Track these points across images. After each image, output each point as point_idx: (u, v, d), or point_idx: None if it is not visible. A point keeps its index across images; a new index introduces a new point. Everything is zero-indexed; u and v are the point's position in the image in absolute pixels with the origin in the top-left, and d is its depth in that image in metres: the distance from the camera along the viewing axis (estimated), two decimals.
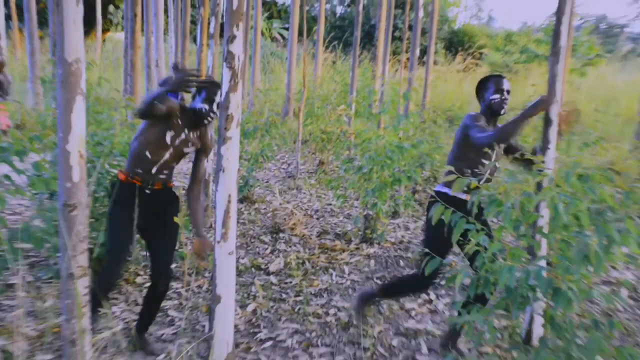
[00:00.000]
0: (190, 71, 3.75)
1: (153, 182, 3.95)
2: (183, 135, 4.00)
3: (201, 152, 4.17)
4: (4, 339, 3.98)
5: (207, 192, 7.15)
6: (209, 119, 3.97)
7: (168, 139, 3.94)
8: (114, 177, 4.93)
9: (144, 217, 3.93)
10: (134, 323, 4.52)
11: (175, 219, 3.86)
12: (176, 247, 4.11)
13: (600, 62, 19.90)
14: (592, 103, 16.09)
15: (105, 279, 3.80)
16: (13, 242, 3.77)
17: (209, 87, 3.99)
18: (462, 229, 3.11)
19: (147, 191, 3.93)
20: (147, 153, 3.91)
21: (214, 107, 3.96)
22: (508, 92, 4.39)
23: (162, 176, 3.99)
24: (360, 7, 12.73)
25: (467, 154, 4.32)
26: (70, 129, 2.49)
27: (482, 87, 4.52)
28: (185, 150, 4.03)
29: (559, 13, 4.29)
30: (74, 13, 2.44)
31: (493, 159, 4.38)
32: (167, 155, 3.96)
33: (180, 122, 3.98)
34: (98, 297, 3.68)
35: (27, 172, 3.92)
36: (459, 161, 4.35)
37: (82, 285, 2.63)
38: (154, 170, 3.94)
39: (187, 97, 4.31)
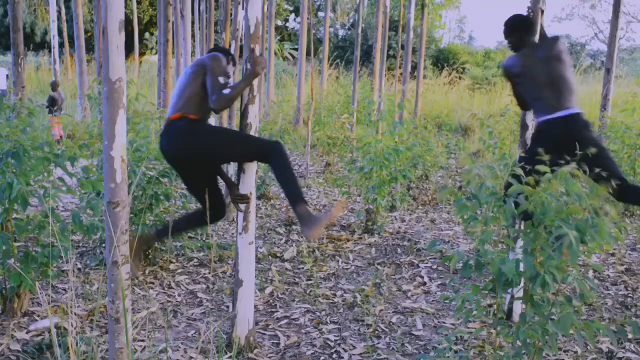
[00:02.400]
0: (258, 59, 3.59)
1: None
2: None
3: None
4: (59, 317, 3.99)
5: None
6: None
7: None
8: (150, 178, 4.94)
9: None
10: (169, 304, 4.53)
11: None
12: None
13: None
14: None
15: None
16: (65, 234, 3.78)
17: None
18: None
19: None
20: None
21: None
22: None
23: None
24: (359, 30, 12.73)
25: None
26: (114, 138, 2.50)
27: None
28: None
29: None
30: (117, 40, 2.45)
31: None
32: None
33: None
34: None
35: (77, 175, 3.93)
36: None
37: (125, 271, 2.63)
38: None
39: None
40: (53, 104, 13.04)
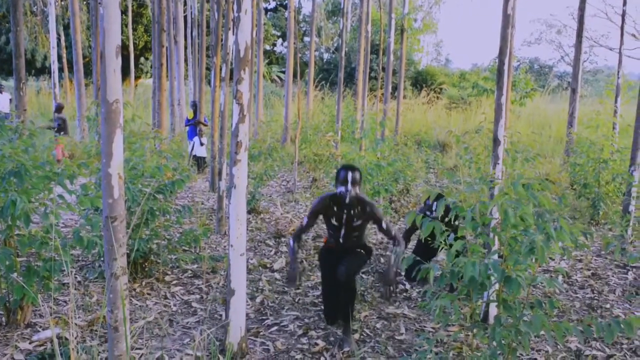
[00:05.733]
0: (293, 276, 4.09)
1: (344, 245, 4.18)
2: (344, 215, 4.08)
3: (375, 221, 4.14)
4: (60, 328, 3.96)
5: (221, 206, 7.14)
6: (349, 196, 3.99)
7: (335, 222, 4.13)
8: (143, 194, 4.93)
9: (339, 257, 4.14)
10: (165, 314, 4.51)
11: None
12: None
13: (534, 95, 20.05)
14: (530, 127, 16.21)
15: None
16: (66, 249, 3.77)
17: (337, 176, 4.08)
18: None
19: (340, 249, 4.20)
20: (330, 231, 4.22)
21: (349, 186, 3.98)
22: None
23: (350, 242, 4.19)
24: (343, 54, 12.80)
25: None
26: (111, 156, 2.51)
27: None
28: (355, 224, 4.11)
29: (502, 56, 4.35)
30: (114, 64, 2.47)
31: None
32: (343, 231, 4.14)
33: (336, 209, 4.10)
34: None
35: (76, 192, 3.92)
36: None
37: (122, 282, 2.63)
38: (341, 241, 4.17)
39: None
40: (64, 124, 12.88)
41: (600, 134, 8.80)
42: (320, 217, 4.22)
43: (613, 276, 5.61)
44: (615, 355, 3.87)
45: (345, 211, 4.07)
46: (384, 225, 4.09)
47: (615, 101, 10.70)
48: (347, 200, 4.00)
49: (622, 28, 11.62)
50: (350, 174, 4.00)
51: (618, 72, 11.01)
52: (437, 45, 44.49)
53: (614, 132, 9.26)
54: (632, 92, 12.32)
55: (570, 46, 35.49)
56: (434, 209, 4.92)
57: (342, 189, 3.99)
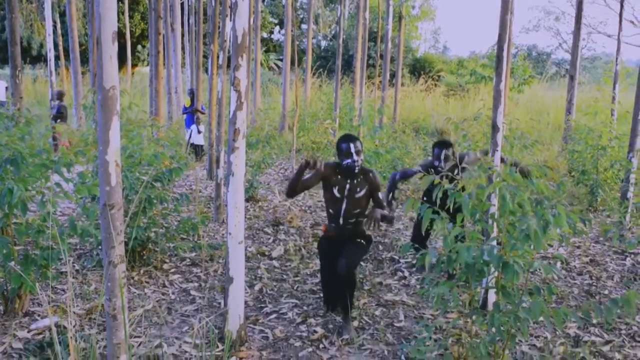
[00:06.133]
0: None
1: (344, 232, 4.14)
2: (348, 185, 4.06)
3: (372, 189, 4.14)
4: (58, 316, 3.95)
5: (219, 194, 7.12)
6: (357, 166, 3.99)
7: (338, 194, 4.08)
8: (141, 182, 4.92)
9: (339, 246, 4.11)
10: (163, 302, 4.51)
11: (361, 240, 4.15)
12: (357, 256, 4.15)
13: (533, 82, 20.00)
14: (528, 114, 16.18)
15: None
16: (63, 237, 3.75)
17: (340, 149, 4.06)
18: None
19: (339, 239, 4.16)
20: (330, 210, 4.16)
21: (355, 156, 3.97)
22: None
23: (349, 226, 4.13)
24: (341, 41, 12.75)
25: None
26: (108, 143, 2.48)
27: None
28: (357, 195, 4.07)
29: (500, 42, 4.31)
30: (110, 50, 2.44)
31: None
32: (344, 205, 4.08)
33: (340, 177, 4.08)
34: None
35: (73, 180, 3.90)
36: None
37: (120, 271, 2.62)
38: (341, 222, 4.12)
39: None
40: (59, 111, 12.85)
41: (598, 121, 8.78)
42: (321, 189, 4.20)
43: (611, 262, 5.62)
44: (614, 340, 3.87)
45: (349, 180, 4.06)
46: (379, 195, 4.13)
47: (614, 88, 10.69)
48: (356, 170, 4.00)
49: (620, 15, 11.57)
50: (352, 145, 3.99)
51: (616, 59, 10.98)
52: (435, 33, 44.27)
53: (612, 119, 9.25)
54: (630, 79, 12.29)
55: (569, 33, 35.37)
56: (442, 157, 4.85)
57: (349, 160, 3.98)
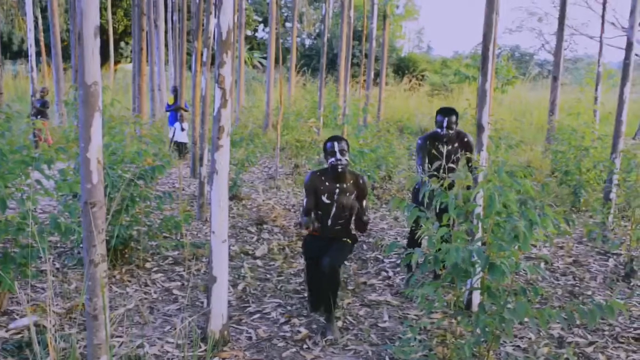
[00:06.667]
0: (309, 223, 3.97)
1: (331, 232, 4.13)
2: (337, 190, 4.03)
3: (359, 196, 4.11)
4: (37, 315, 3.88)
5: (202, 192, 7.06)
6: (341, 165, 3.95)
7: (327, 200, 4.05)
8: (123, 180, 4.85)
9: (325, 246, 4.09)
10: (145, 301, 4.45)
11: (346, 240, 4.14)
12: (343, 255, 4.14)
13: (516, 82, 20.17)
14: (511, 114, 16.30)
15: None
16: (43, 235, 3.69)
17: (325, 149, 4.04)
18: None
19: (325, 239, 4.14)
20: (319, 212, 4.11)
21: (338, 155, 3.94)
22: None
23: (337, 227, 4.12)
24: (325, 39, 12.74)
25: None
26: (90, 140, 2.43)
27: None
28: (346, 201, 4.05)
29: (486, 41, 4.31)
30: (92, 45, 2.39)
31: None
32: (333, 210, 4.06)
33: (327, 183, 4.05)
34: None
35: (54, 178, 3.83)
36: None
37: (102, 270, 2.57)
38: (329, 223, 4.11)
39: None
40: (45, 105, 12.85)
41: (581, 122, 8.85)
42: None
43: (594, 263, 5.66)
44: (597, 341, 3.89)
45: (337, 185, 4.03)
46: (364, 203, 4.13)
47: (596, 89, 10.79)
48: (340, 169, 3.95)
49: (603, 16, 11.69)
50: (337, 144, 3.96)
51: (599, 60, 11.09)
52: (419, 32, 44.51)
53: (595, 120, 9.33)
54: (612, 80, 12.40)
55: (551, 34, 35.63)
56: (444, 125, 4.80)
57: (332, 159, 3.95)
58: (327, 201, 4.06)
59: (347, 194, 4.05)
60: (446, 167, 4.68)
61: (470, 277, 3.12)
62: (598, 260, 5.75)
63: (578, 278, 5.23)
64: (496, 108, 17.40)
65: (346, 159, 3.98)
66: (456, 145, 4.79)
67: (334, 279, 3.93)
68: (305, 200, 4.15)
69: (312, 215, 4.01)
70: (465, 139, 4.90)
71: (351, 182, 4.07)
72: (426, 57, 33.63)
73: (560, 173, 8.50)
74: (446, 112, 4.77)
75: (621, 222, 6.71)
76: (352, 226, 4.19)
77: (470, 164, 4.79)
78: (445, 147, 4.75)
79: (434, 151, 4.78)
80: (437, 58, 33.18)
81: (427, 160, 4.83)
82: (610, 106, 10.07)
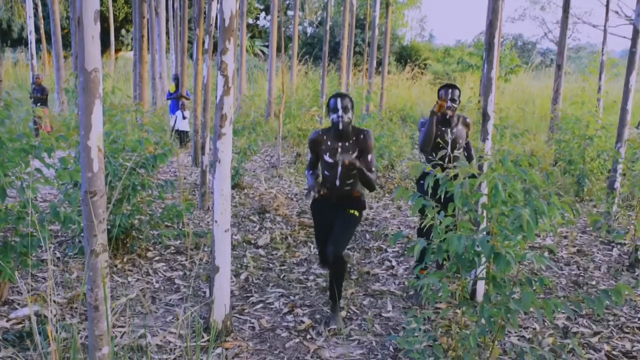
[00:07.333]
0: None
1: (339, 193, 3.98)
2: (339, 149, 3.92)
3: (362, 151, 3.95)
4: (38, 305, 3.85)
5: (204, 181, 7.02)
6: (343, 122, 3.83)
7: (330, 159, 3.93)
8: (124, 168, 4.81)
9: (333, 212, 4.02)
10: (147, 291, 4.42)
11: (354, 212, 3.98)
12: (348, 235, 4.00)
13: (519, 71, 20.03)
14: (514, 103, 16.22)
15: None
16: (44, 224, 3.65)
17: (328, 106, 3.91)
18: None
19: (334, 200, 4.00)
20: (326, 172, 3.99)
21: (340, 112, 3.83)
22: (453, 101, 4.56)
23: (346, 187, 3.97)
24: (327, 27, 12.63)
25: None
26: (90, 127, 2.38)
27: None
28: (349, 159, 3.86)
29: (492, 29, 4.25)
30: (92, 30, 2.33)
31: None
32: (339, 169, 3.92)
33: (329, 142, 3.95)
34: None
35: (54, 166, 3.79)
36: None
37: (103, 260, 2.53)
38: (337, 184, 3.95)
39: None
40: (43, 93, 12.89)
41: (585, 111, 8.78)
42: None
43: (598, 253, 5.62)
44: (602, 331, 3.86)
45: (339, 144, 3.92)
46: (369, 157, 3.94)
47: (600, 78, 10.69)
48: (341, 127, 3.83)
49: (607, 5, 11.56)
50: (340, 101, 3.83)
51: (602, 49, 10.98)
52: (421, 21, 44.33)
53: (598, 109, 9.25)
54: (616, 69, 12.31)
55: (554, 23, 35.52)
56: (447, 97, 4.65)
57: (334, 116, 3.84)
58: (330, 160, 3.92)
59: (350, 152, 3.91)
60: (450, 151, 4.62)
61: (475, 267, 3.08)
62: (602, 250, 5.71)
63: (582, 268, 5.19)
64: (499, 97, 17.31)
65: (349, 117, 3.85)
66: (460, 127, 4.70)
67: (340, 267, 3.85)
68: (309, 156, 4.11)
69: (319, 179, 3.93)
70: (467, 120, 4.82)
71: (353, 139, 3.93)
72: (428, 46, 33.45)
73: (563, 162, 8.45)
74: (449, 86, 4.68)
75: (625, 212, 6.66)
76: (361, 188, 4.05)
77: (468, 144, 4.77)
78: (449, 129, 4.66)
79: (438, 133, 4.69)
80: (439, 47, 33.02)
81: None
82: (613, 95, 9.99)
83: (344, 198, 4.00)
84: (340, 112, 3.82)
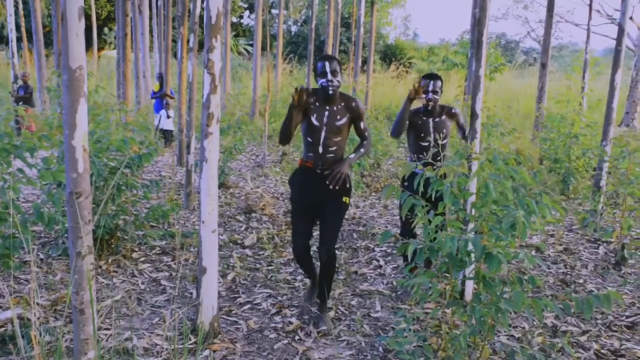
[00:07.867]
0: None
1: (323, 161, 3.79)
2: (326, 112, 3.76)
3: (354, 118, 3.83)
4: (21, 308, 3.77)
5: (189, 180, 6.95)
6: (332, 87, 3.68)
7: (316, 122, 3.75)
8: (114, 169, 4.74)
9: (318, 195, 3.80)
10: (133, 292, 4.35)
11: (345, 199, 3.83)
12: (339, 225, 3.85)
13: (504, 69, 20.13)
14: (498, 102, 16.29)
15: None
16: (26, 225, 3.57)
17: (316, 69, 3.74)
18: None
19: (318, 171, 3.80)
20: (309, 138, 3.80)
21: (329, 76, 3.66)
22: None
23: (329, 155, 3.79)
24: (312, 26, 12.59)
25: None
26: (75, 127, 2.32)
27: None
28: (337, 123, 3.75)
29: (480, 27, 4.23)
30: (76, 27, 2.27)
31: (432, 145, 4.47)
32: (323, 134, 3.76)
33: (317, 104, 3.77)
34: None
35: (37, 166, 3.71)
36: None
37: (88, 262, 2.47)
38: (320, 150, 3.78)
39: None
40: (27, 91, 12.78)
41: (570, 109, 8.84)
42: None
43: (585, 251, 5.64)
44: (590, 330, 3.87)
45: (327, 107, 3.76)
46: (362, 125, 3.87)
47: (583, 77, 10.77)
48: (331, 91, 3.69)
49: (590, 4, 11.65)
50: (328, 64, 3.67)
51: (586, 47, 11.06)
52: (405, 20, 44.39)
53: (583, 107, 9.31)
54: (598, 68, 12.40)
55: (537, 22, 35.76)
56: (429, 89, 4.61)
57: (323, 80, 3.68)
58: (316, 123, 3.76)
59: (339, 117, 3.77)
60: (433, 142, 4.57)
61: (466, 266, 3.06)
62: (588, 248, 5.74)
63: (569, 266, 5.21)
64: (485, 95, 17.38)
65: (338, 81, 3.70)
66: (443, 117, 4.66)
67: (332, 266, 3.76)
68: (286, 117, 3.84)
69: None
70: (453, 110, 4.77)
71: (342, 104, 3.80)
72: (413, 45, 33.54)
73: (549, 161, 8.49)
74: (432, 76, 4.65)
75: (611, 210, 6.71)
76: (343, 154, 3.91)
77: (464, 136, 4.71)
78: (431, 120, 4.62)
79: (420, 123, 4.64)
80: (423, 45, 33.12)
81: (413, 133, 4.70)
82: (597, 93, 10.06)
83: (330, 164, 3.82)
84: (329, 77, 3.67)
